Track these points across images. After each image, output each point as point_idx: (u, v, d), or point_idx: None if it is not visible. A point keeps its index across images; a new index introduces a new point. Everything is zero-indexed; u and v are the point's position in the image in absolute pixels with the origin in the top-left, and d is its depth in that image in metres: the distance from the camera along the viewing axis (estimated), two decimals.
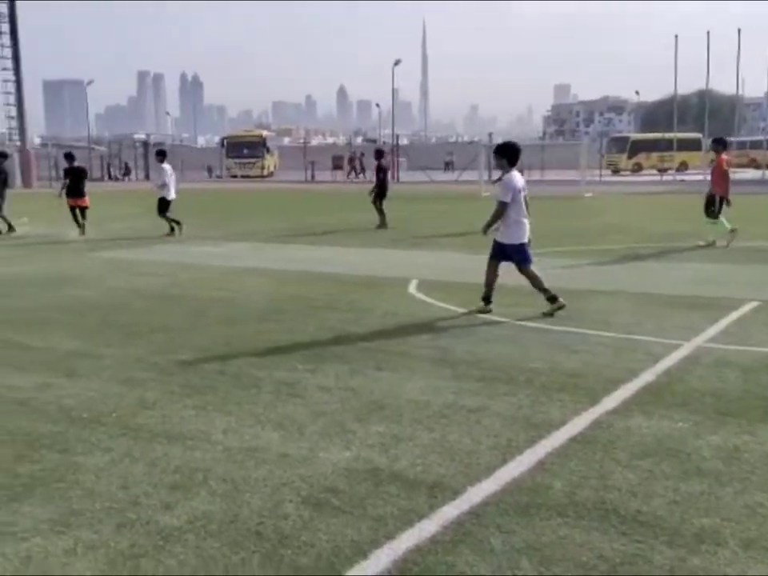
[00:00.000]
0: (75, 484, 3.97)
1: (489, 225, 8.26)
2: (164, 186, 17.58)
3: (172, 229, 17.36)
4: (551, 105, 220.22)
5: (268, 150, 61.64)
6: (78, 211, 18.00)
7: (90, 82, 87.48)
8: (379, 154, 20.04)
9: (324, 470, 4.10)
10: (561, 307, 7.98)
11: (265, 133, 69.18)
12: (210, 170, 64.21)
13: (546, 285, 8.08)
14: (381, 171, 19.49)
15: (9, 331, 7.61)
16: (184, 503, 3.73)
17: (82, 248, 15.01)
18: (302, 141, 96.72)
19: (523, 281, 8.23)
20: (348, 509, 3.65)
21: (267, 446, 4.48)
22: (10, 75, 49.60)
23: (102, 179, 57.58)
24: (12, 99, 50.10)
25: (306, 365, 6.23)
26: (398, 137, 62.52)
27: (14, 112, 50.50)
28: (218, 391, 5.57)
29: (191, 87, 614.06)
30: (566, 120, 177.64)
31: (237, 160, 59.92)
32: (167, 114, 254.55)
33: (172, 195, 17.62)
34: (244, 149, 60.14)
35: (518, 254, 8.02)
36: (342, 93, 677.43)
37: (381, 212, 18.77)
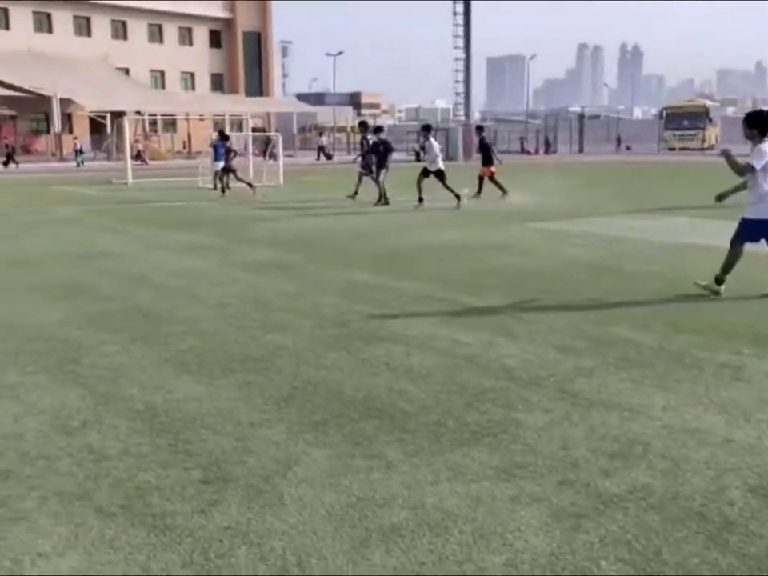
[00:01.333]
0: (517, 438, 4.20)
1: (728, 192, 8.24)
2: (435, 158, 18.48)
3: (458, 197, 17.84)
4: None
5: (711, 121, 58.27)
6: (485, 179, 19.89)
7: (532, 57, 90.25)
8: None
9: None
10: None
11: (708, 103, 65.46)
12: (618, 140, 62.58)
13: None
14: None
15: (454, 292, 8.24)
16: (623, 472, 3.74)
17: (513, 218, 15.55)
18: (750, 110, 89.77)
19: None
20: None
21: (710, 428, 4.29)
22: (461, 53, 53.03)
23: (518, 152, 54.17)
24: (460, 77, 53.61)
25: (752, 349, 5.83)
26: None
27: (460, 88, 54.00)
28: (655, 367, 5.46)
29: (631, 57, 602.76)
30: None
31: (676, 132, 57.50)
32: (605, 85, 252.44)
33: (439, 165, 18.35)
34: (684, 120, 57.48)
35: None
36: None
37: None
